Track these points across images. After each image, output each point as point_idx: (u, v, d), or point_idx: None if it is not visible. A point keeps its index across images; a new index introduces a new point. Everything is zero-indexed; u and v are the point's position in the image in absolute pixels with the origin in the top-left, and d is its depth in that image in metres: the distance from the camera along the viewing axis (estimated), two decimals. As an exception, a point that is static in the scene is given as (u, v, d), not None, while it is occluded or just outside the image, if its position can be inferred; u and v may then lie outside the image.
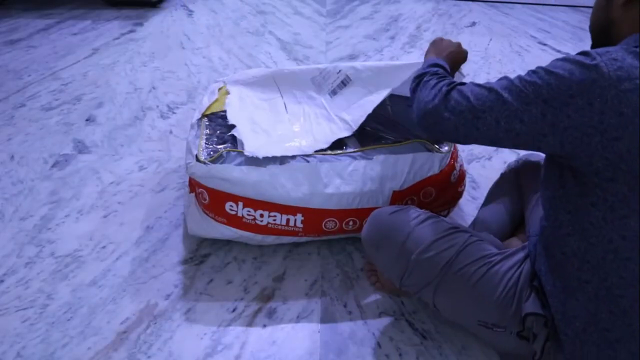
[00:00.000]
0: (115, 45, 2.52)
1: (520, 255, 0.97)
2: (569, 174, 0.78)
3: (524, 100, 0.75)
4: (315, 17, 2.90)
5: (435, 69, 0.96)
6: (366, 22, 2.84)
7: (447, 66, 1.01)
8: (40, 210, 1.46)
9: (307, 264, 1.30)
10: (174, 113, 1.95)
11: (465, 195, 1.44)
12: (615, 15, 0.81)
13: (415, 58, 2.40)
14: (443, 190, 1.29)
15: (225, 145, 1.24)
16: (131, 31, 2.68)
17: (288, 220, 1.21)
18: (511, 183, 1.26)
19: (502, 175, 1.30)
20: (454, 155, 1.31)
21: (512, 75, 0.80)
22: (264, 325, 1.14)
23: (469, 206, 1.48)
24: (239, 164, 1.17)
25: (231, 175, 1.16)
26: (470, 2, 3.16)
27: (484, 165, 1.69)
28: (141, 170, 1.63)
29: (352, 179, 1.19)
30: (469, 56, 1.13)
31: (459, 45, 1.10)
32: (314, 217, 1.21)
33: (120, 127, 1.86)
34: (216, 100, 1.41)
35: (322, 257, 1.32)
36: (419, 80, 0.94)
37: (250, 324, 1.14)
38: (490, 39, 2.64)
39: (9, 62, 2.32)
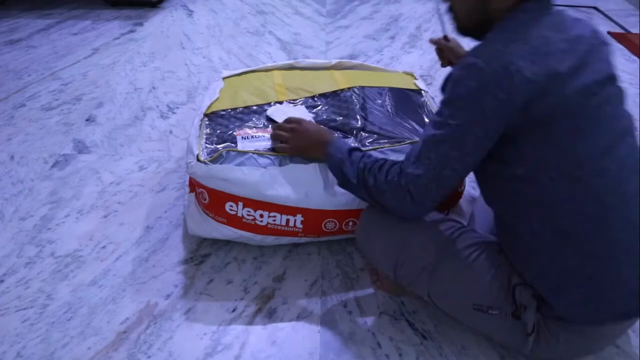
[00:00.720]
0: (115, 45, 2.52)
1: None
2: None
3: (459, 141, 0.85)
4: (315, 17, 2.89)
5: (344, 159, 1.03)
6: (366, 22, 2.84)
7: (337, 143, 1.09)
8: (40, 210, 1.46)
9: (307, 264, 1.30)
10: (174, 113, 1.95)
11: (465, 195, 1.44)
12: (492, 7, 0.89)
13: (415, 58, 2.41)
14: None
15: (225, 144, 1.24)
16: (131, 31, 2.68)
17: (288, 220, 1.21)
18: None
19: None
20: None
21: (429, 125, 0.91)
22: (264, 325, 1.14)
23: (469, 206, 1.48)
24: (239, 164, 1.17)
25: (231, 176, 1.16)
26: (470, 2, 3.15)
27: (484, 165, 1.69)
28: (141, 170, 1.63)
29: None
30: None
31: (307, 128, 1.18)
32: (313, 217, 1.21)
33: (120, 127, 1.86)
34: (217, 100, 1.42)
35: (322, 257, 1.32)
36: (357, 182, 1.00)
37: (250, 324, 1.15)
38: (490, 39, 2.64)
39: (9, 62, 2.32)
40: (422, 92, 1.49)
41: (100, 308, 1.17)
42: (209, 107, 1.39)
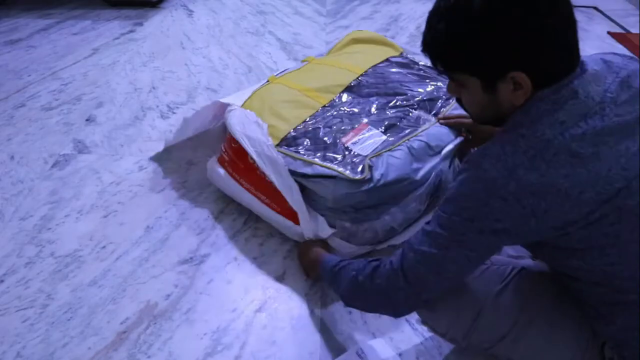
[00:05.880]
0: (115, 45, 2.52)
1: None
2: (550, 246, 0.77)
3: (457, 240, 0.75)
4: (315, 17, 2.89)
5: (337, 266, 0.97)
6: (366, 22, 2.83)
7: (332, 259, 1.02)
8: (40, 210, 1.46)
9: (307, 264, 1.30)
10: (174, 113, 1.95)
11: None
12: (506, 106, 0.76)
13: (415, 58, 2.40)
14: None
15: (359, 156, 1.23)
16: (131, 31, 2.68)
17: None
18: None
19: None
20: None
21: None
22: (264, 325, 1.14)
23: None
24: (388, 166, 1.19)
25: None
26: (470, 2, 3.15)
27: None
28: (141, 170, 1.63)
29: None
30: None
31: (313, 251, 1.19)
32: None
33: (120, 127, 1.86)
34: (271, 127, 1.32)
35: (322, 257, 1.32)
36: (348, 286, 0.92)
37: (250, 324, 1.15)
38: (490, 39, 2.64)
39: (9, 62, 2.32)
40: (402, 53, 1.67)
41: (100, 308, 1.17)
42: (273, 137, 1.28)
